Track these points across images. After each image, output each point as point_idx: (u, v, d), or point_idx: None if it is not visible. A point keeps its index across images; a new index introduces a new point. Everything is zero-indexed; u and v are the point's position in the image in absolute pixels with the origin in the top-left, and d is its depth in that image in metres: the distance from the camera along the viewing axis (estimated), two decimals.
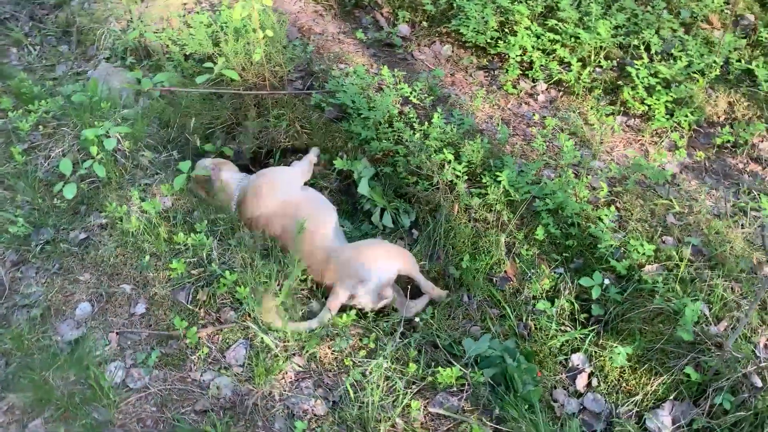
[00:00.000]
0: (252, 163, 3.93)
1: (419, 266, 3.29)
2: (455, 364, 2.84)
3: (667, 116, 3.65)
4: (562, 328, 2.96)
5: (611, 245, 3.03)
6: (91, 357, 2.62)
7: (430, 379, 2.61)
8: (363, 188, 3.55)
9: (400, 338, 2.76)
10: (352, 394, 2.52)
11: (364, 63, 4.34)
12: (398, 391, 2.53)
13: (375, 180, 3.69)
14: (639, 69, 3.71)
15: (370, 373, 2.62)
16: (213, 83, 3.93)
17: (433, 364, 2.80)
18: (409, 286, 3.12)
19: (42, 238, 3.08)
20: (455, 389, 2.66)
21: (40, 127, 3.58)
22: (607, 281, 2.93)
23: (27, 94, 3.85)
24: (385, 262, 3.06)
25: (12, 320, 2.79)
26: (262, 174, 3.56)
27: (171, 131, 3.85)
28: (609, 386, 2.80)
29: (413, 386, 2.62)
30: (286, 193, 3.39)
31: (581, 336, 2.89)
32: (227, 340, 2.73)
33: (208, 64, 3.69)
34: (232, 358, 2.68)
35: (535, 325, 3.01)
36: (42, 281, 2.94)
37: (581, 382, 2.84)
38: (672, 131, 3.66)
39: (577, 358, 2.90)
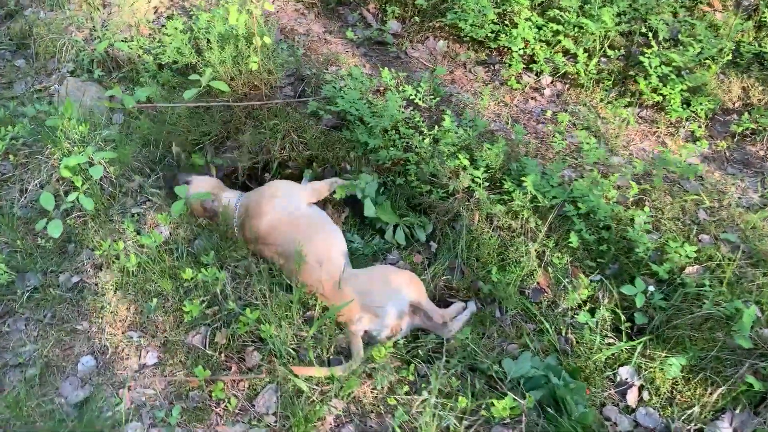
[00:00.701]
0: (249, 179, 3.64)
1: (442, 281, 3.09)
2: (497, 388, 2.65)
3: (683, 106, 3.50)
4: (606, 340, 2.79)
5: (648, 248, 2.87)
6: (102, 420, 2.33)
7: (483, 413, 2.40)
8: (369, 211, 3.30)
9: (444, 370, 2.54)
10: None
11: (356, 64, 4.07)
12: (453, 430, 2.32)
13: (383, 192, 3.44)
14: (650, 57, 3.56)
15: (418, 412, 2.40)
16: (199, 95, 3.60)
17: (475, 391, 2.60)
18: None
19: (28, 284, 2.74)
20: (508, 420, 2.46)
21: (10, 156, 3.20)
22: (651, 288, 2.77)
23: None
24: (404, 291, 2.83)
25: (5, 383, 2.46)
26: (264, 187, 3.28)
27: (155, 151, 3.52)
28: (662, 399, 2.66)
29: (463, 421, 2.41)
30: (289, 209, 3.12)
31: (628, 348, 2.73)
32: (254, 386, 2.47)
33: (194, 76, 3.36)
34: (263, 407, 2.42)
35: (576, 338, 2.84)
36: (34, 334, 2.61)
37: (632, 397, 2.69)
38: (687, 121, 3.53)
39: (625, 372, 2.74)
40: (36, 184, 3.06)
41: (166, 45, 3.92)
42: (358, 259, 3.28)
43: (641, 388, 2.70)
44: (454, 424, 2.34)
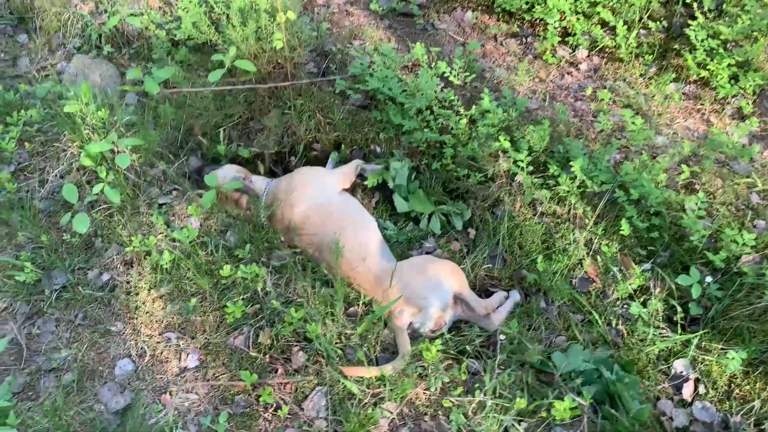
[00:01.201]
0: (274, 164, 3.47)
1: (483, 270, 2.98)
2: (546, 383, 2.56)
3: (731, 81, 3.34)
4: (659, 332, 2.69)
5: (703, 236, 2.75)
6: (146, 428, 2.22)
7: (543, 414, 2.30)
8: (401, 206, 3.16)
9: (499, 369, 2.44)
10: None
11: (380, 37, 3.87)
12: None
13: (415, 178, 3.28)
14: (696, 30, 3.38)
15: (474, 413, 2.30)
16: (222, 76, 3.41)
17: (528, 388, 2.51)
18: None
19: (56, 283, 2.60)
20: (567, 420, 2.37)
21: (26, 143, 3.02)
22: (709, 278, 2.66)
23: None
24: (447, 282, 2.71)
25: (39, 389, 2.34)
26: (293, 175, 3.12)
27: (176, 135, 3.34)
28: (719, 393, 2.57)
29: (521, 423, 2.32)
30: (321, 198, 2.98)
31: (682, 340, 2.63)
32: (302, 389, 2.36)
33: (217, 56, 3.16)
34: (312, 410, 2.32)
35: (627, 330, 2.74)
36: (66, 336, 2.48)
37: (688, 390, 2.60)
38: (734, 98, 3.37)
39: (680, 365, 2.64)
40: (56, 174, 2.89)
41: (181, 20, 3.69)
42: (392, 247, 3.14)
43: (697, 381, 2.62)
44: (514, 427, 2.24)
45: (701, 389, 2.60)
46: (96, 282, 2.60)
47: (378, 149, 3.44)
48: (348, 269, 2.72)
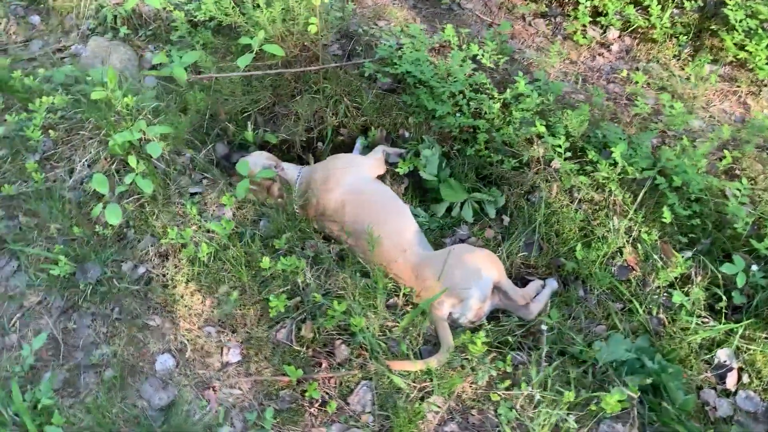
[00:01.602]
0: (302, 150, 3.40)
1: (519, 258, 2.93)
2: (588, 373, 2.54)
3: None
4: (702, 320, 2.66)
5: (747, 223, 2.71)
6: (190, 424, 2.19)
7: (593, 408, 2.28)
8: (439, 209, 3.12)
9: (546, 361, 2.41)
10: None
11: (405, 17, 3.77)
12: (566, 429, 2.20)
13: (446, 165, 3.22)
14: (735, 10, 3.29)
15: (521, 407, 2.27)
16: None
17: (572, 380, 2.48)
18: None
19: (90, 276, 2.54)
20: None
21: (50, 131, 2.94)
22: (755, 267, 2.62)
23: (16, 88, 3.17)
24: (486, 272, 2.66)
25: (79, 386, 2.30)
26: (329, 162, 3.06)
27: (202, 121, 3.26)
28: (764, 383, 2.55)
29: (569, 416, 2.29)
30: (358, 185, 2.92)
31: (726, 330, 2.60)
32: (347, 383, 2.33)
33: (244, 39, 3.07)
34: (358, 405, 2.29)
35: (668, 318, 2.71)
36: (103, 331, 2.43)
37: (731, 380, 2.58)
38: None
39: (723, 354, 2.62)
40: (84, 164, 2.82)
41: (202, 1, 3.58)
42: (425, 234, 3.10)
43: (740, 370, 2.59)
44: (564, 420, 2.22)
45: (745, 379, 2.58)
46: (131, 275, 2.55)
47: (406, 134, 3.37)
48: (385, 259, 2.67)
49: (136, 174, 2.65)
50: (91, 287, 2.51)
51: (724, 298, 2.63)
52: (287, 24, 3.27)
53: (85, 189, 2.76)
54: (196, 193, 2.80)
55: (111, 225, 2.62)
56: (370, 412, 2.27)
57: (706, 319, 2.68)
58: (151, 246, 2.60)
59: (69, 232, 2.63)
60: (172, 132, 2.80)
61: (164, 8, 3.78)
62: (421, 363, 2.34)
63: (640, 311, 2.71)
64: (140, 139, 2.75)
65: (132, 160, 2.65)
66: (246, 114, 3.36)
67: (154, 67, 3.75)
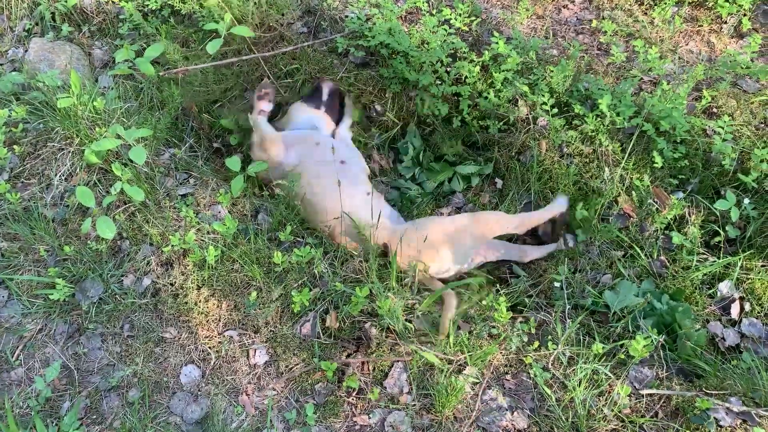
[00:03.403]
0: None
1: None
2: (603, 324, 2.61)
3: (728, 0, 3.36)
4: (701, 257, 2.77)
5: (733, 159, 2.81)
6: None
7: (621, 356, 2.34)
8: (428, 186, 3.13)
9: (569, 320, 2.45)
10: (552, 397, 2.22)
11: None
12: (600, 380, 2.26)
13: (426, 149, 3.22)
14: None
15: (552, 365, 2.32)
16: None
17: (591, 332, 2.54)
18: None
19: (91, 295, 2.40)
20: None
21: (14, 147, 2.73)
22: (747, 200, 2.73)
23: None
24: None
25: (103, 411, 2.19)
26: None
27: (176, 116, 3.09)
28: (765, 308, 2.68)
29: (598, 367, 2.35)
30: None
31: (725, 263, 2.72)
32: (380, 368, 2.31)
33: (212, 25, 2.91)
34: (395, 387, 2.28)
35: (668, 259, 2.80)
36: (116, 351, 2.32)
37: (735, 310, 2.70)
38: (730, 16, 3.39)
39: (725, 287, 2.73)
40: (60, 177, 2.63)
41: None
42: (419, 205, 3.09)
43: (741, 300, 2.72)
44: (603, 373, 2.27)
45: (747, 307, 2.71)
46: (136, 288, 2.43)
47: (378, 108, 3.32)
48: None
49: (123, 182, 2.50)
50: (94, 307, 2.38)
51: (722, 233, 2.74)
52: (246, 4, 3.12)
53: (67, 204, 2.59)
54: (186, 195, 2.67)
55: (104, 239, 2.47)
56: (408, 393, 2.26)
57: (704, 255, 2.78)
58: (152, 255, 2.47)
59: (59, 253, 2.47)
60: (151, 134, 2.64)
61: (108, 0, 3.54)
62: (444, 328, 2.35)
63: (642, 256, 2.79)
64: (124, 144, 2.59)
65: (117, 168, 2.50)
66: (219, 104, 3.21)
67: (106, 65, 3.54)
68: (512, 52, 3.05)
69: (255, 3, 3.07)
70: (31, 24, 3.76)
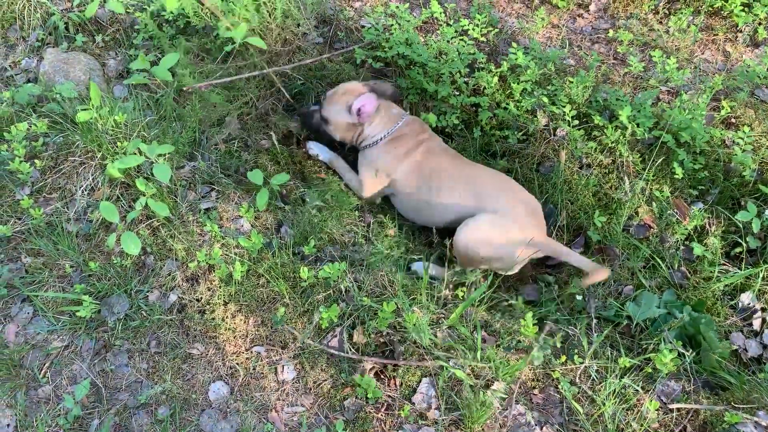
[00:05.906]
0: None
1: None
2: (622, 335, 2.62)
3: (744, 10, 3.37)
4: (722, 267, 2.78)
5: (754, 169, 2.82)
6: None
7: (648, 370, 2.35)
8: None
9: (594, 333, 2.46)
10: (581, 412, 2.23)
11: None
12: (628, 395, 2.26)
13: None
14: None
15: (579, 379, 2.32)
16: (233, 57, 3.15)
17: (616, 344, 2.55)
18: None
19: (117, 311, 2.40)
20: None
21: (36, 161, 2.72)
22: (767, 212, 2.74)
23: None
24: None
25: (133, 428, 2.19)
26: None
27: (185, 127, 3.08)
28: None
29: (623, 380, 2.36)
30: None
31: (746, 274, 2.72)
32: (408, 383, 2.31)
33: (226, 33, 2.90)
34: (423, 403, 2.28)
35: (689, 270, 2.81)
36: (144, 368, 2.31)
37: (758, 321, 2.71)
38: (746, 25, 3.41)
39: (746, 298, 2.75)
40: (82, 192, 2.63)
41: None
42: None
43: (763, 311, 2.73)
44: (632, 387, 2.27)
45: None
46: (162, 304, 2.42)
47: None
48: None
49: (147, 197, 2.49)
50: (121, 323, 2.37)
51: (743, 244, 2.75)
52: (261, 15, 3.10)
53: (90, 219, 2.58)
54: (209, 208, 2.66)
55: (129, 255, 2.46)
56: (436, 408, 2.26)
57: (725, 266, 2.79)
58: (177, 270, 2.47)
59: (84, 269, 2.46)
60: (173, 150, 2.63)
61: (126, 11, 3.53)
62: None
63: (663, 267, 2.80)
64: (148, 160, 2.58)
65: (141, 183, 2.49)
66: (237, 116, 3.20)
67: (120, 75, 3.53)
68: (531, 63, 3.05)
69: (271, 14, 3.05)
70: (44, 34, 3.74)
